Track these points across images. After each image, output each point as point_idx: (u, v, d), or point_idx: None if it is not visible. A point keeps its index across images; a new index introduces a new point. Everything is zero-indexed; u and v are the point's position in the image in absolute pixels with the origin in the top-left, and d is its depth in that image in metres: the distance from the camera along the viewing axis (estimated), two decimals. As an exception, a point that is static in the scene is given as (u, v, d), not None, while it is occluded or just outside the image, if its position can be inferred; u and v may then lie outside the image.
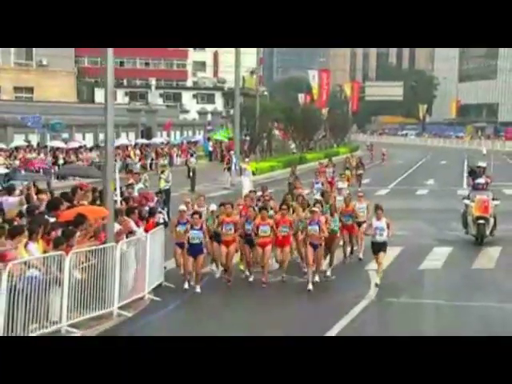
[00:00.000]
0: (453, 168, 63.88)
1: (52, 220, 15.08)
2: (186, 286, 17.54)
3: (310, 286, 17.42)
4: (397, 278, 18.54)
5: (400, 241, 22.99)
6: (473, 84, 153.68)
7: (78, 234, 14.67)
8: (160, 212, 19.12)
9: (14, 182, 23.01)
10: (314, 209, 18.22)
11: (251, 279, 18.51)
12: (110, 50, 15.87)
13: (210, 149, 68.02)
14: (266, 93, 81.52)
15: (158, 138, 65.81)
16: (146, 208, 18.96)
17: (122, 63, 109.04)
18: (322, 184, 28.29)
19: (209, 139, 72.62)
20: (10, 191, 18.78)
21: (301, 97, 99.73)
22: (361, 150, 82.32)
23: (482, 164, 28.82)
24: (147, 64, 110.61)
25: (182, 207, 18.13)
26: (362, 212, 21.25)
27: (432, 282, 18.65)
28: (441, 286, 18.25)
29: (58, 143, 47.28)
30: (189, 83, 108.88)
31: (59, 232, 14.60)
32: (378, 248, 18.07)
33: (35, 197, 17.26)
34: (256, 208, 19.42)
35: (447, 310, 15.97)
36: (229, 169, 44.73)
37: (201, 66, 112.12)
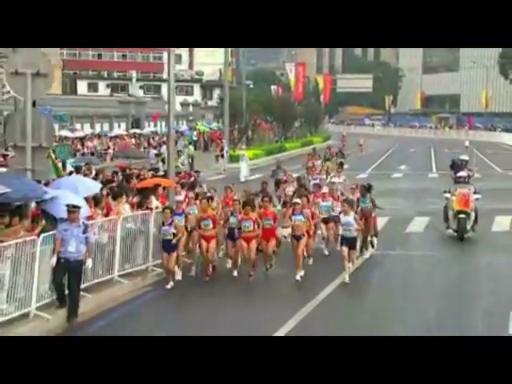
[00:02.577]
0: (421, 155, 69.30)
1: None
2: (171, 284, 17.32)
3: (299, 277, 17.60)
4: (390, 238, 23.17)
5: (387, 212, 27.76)
6: (436, 76, 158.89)
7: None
8: (200, 186, 23.48)
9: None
10: (296, 200, 18.48)
11: (235, 274, 18.28)
12: (172, 50, 20.37)
13: (195, 138, 72.44)
14: (251, 86, 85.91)
15: (147, 129, 70.27)
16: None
17: (99, 55, 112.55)
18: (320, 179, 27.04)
19: (190, 129, 77.23)
20: (78, 170, 23.22)
21: (274, 88, 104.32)
22: (332, 139, 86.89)
23: (464, 157, 28.66)
24: (124, 56, 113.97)
25: (179, 197, 18.57)
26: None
27: (417, 240, 23.50)
28: (424, 243, 23.07)
29: (65, 133, 51.56)
30: (165, 75, 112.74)
31: (136, 198, 19.19)
32: (347, 244, 17.78)
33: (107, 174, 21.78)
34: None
35: (430, 259, 20.78)
36: (222, 156, 49.32)
37: (177, 59, 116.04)
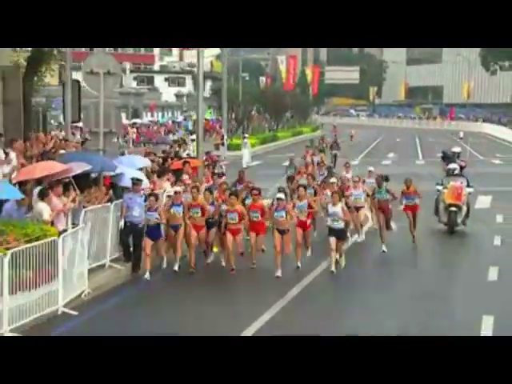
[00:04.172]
0: (407, 144, 73.10)
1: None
2: (148, 275, 17.31)
3: (279, 273, 17.43)
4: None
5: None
6: (420, 67, 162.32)
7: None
8: (221, 166, 26.80)
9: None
10: (279, 196, 18.19)
11: (223, 263, 18.56)
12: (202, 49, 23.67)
13: (190, 128, 75.79)
14: (247, 78, 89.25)
15: (145, 118, 73.65)
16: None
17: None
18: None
19: (185, 119, 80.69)
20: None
21: (262, 80, 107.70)
22: (321, 130, 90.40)
23: (456, 149, 28.72)
24: (116, 48, 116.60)
25: (178, 188, 18.67)
26: (359, 198, 21.45)
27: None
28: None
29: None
30: (156, 67, 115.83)
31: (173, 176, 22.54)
32: (335, 234, 17.76)
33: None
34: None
35: (421, 230, 24.21)
36: (222, 144, 52.67)
37: (167, 50, 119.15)
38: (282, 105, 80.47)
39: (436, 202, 24.24)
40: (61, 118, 55.36)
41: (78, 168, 16.47)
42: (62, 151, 20.51)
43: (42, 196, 15.28)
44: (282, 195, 18.26)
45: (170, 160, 24.08)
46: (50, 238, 14.17)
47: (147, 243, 17.45)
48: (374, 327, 13.39)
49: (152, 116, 78.92)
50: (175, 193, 18.14)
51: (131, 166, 19.03)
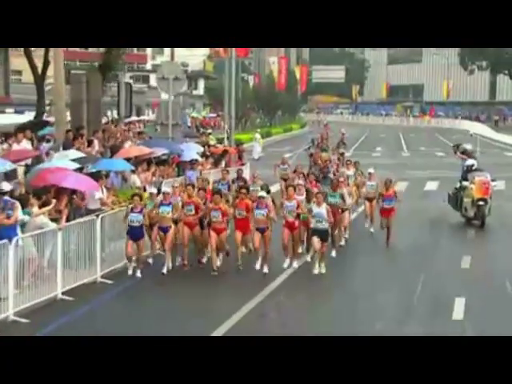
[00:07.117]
0: (392, 139, 78.81)
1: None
2: (131, 271, 17.23)
3: (260, 267, 17.50)
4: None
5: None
6: (400, 67, 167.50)
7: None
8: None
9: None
10: (261, 194, 18.24)
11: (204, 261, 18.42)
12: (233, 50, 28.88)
13: (189, 124, 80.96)
14: (245, 78, 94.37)
15: (147, 116, 78.92)
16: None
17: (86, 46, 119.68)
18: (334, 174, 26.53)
19: (184, 116, 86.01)
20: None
21: (250, 79, 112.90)
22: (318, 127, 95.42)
23: (468, 146, 29.22)
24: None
25: (167, 189, 18.35)
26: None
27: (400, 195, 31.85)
28: (405, 196, 31.63)
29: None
30: (148, 66, 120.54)
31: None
32: (318, 236, 17.36)
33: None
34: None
35: (406, 206, 29.53)
36: (227, 138, 57.78)
37: (159, 49, 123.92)
38: (275, 103, 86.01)
39: (454, 197, 25.34)
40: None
41: (159, 151, 21.87)
42: (128, 142, 25.68)
43: (134, 171, 20.53)
44: (263, 193, 18.40)
45: (207, 147, 29.25)
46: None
47: (128, 243, 17.08)
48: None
49: (153, 113, 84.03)
50: (163, 193, 17.99)
51: (190, 150, 24.41)
